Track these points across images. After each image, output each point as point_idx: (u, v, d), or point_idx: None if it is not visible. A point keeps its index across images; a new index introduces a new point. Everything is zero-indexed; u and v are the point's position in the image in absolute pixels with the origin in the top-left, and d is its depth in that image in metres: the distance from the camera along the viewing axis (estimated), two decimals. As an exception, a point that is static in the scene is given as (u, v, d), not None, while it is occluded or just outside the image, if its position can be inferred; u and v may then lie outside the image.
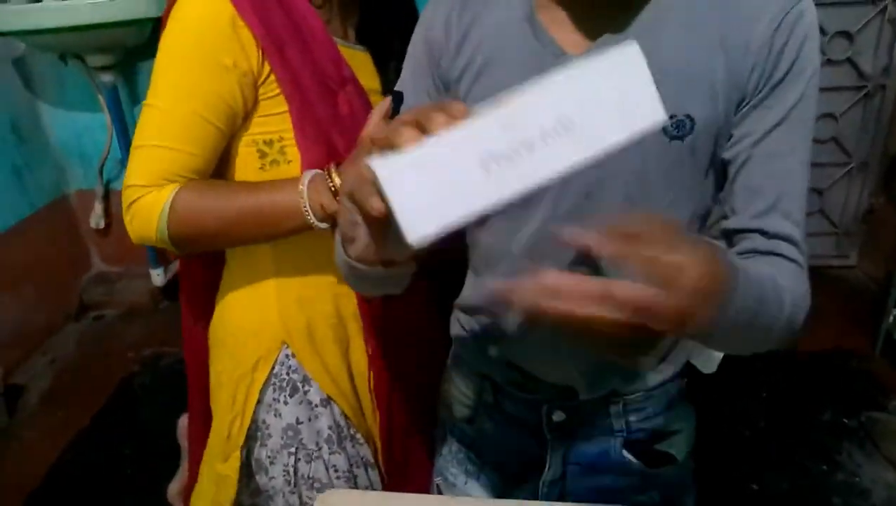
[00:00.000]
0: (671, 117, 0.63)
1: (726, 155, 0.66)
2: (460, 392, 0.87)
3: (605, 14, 0.64)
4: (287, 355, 0.94)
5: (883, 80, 2.10)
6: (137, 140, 0.82)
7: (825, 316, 2.08)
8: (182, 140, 0.81)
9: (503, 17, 0.68)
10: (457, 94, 0.71)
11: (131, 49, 2.03)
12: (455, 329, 0.87)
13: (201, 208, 0.81)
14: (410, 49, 0.76)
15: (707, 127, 0.64)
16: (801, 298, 0.61)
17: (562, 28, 0.66)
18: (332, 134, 0.85)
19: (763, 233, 0.64)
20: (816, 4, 0.62)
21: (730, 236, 0.67)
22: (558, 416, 0.80)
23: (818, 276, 2.21)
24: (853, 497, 1.58)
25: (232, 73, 0.80)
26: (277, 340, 0.93)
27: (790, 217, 0.64)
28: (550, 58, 0.65)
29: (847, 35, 2.04)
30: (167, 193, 0.80)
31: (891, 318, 1.89)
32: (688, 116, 0.63)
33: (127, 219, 0.83)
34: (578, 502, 0.78)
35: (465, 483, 0.88)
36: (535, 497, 0.83)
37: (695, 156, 0.65)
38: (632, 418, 0.80)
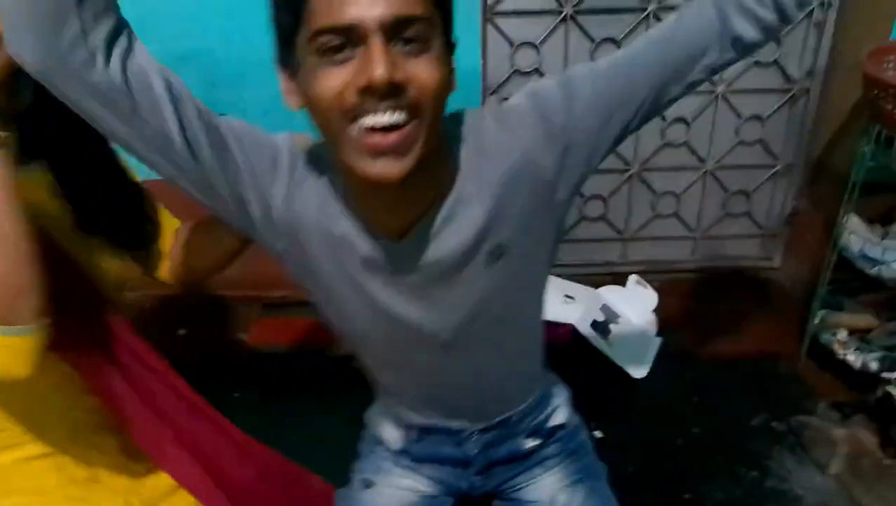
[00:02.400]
0: (488, 248, 0.78)
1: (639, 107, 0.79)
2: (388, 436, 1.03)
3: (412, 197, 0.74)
4: None
5: (808, 84, 2.11)
6: None
7: (751, 319, 2.07)
8: None
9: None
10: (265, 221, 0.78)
11: None
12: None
13: None
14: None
15: (519, 243, 0.80)
16: None
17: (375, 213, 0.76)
18: None
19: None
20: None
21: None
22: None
23: (743, 278, 2.23)
24: (786, 504, 1.56)
25: None
26: None
27: None
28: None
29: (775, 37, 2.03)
30: None
31: (816, 320, 1.88)
32: (498, 246, 0.79)
33: None
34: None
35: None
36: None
37: (516, 265, 0.82)
38: (526, 421, 0.99)
